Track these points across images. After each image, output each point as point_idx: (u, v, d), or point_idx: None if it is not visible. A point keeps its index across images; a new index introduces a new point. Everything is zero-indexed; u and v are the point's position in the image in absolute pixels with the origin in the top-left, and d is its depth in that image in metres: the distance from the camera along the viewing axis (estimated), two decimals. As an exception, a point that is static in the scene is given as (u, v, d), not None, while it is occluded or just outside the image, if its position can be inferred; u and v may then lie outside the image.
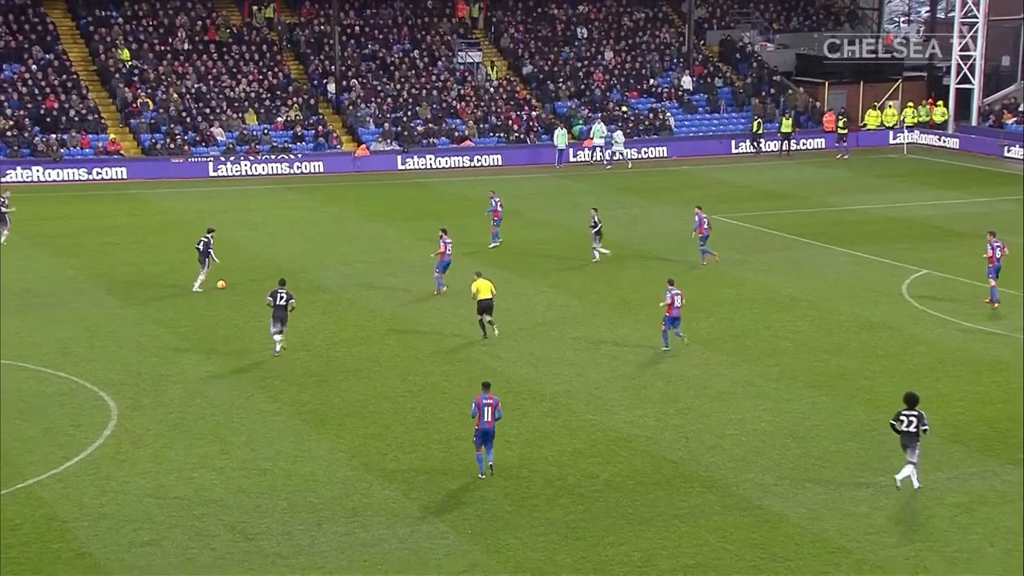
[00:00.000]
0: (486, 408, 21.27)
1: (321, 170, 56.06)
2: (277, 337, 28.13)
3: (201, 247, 33.84)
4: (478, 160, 57.71)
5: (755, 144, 60.22)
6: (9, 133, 54.09)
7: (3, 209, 39.16)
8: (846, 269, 36.76)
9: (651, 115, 62.47)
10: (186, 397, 25.52)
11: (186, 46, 61.10)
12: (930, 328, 30.31)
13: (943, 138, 62.18)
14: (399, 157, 57.45)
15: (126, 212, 46.37)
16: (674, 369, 27.42)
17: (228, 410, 24.87)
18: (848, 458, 22.29)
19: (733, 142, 61.23)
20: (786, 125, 60.94)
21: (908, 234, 41.76)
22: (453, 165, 57.60)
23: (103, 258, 38.33)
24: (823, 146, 61.96)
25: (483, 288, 29.39)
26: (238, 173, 54.81)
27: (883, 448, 22.71)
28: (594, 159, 58.12)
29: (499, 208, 39.90)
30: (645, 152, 59.59)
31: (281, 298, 28.01)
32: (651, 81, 65.33)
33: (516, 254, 37.99)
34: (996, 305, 31.74)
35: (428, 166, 57.51)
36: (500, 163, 57.56)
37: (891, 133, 63.38)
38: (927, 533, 19.26)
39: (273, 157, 56.01)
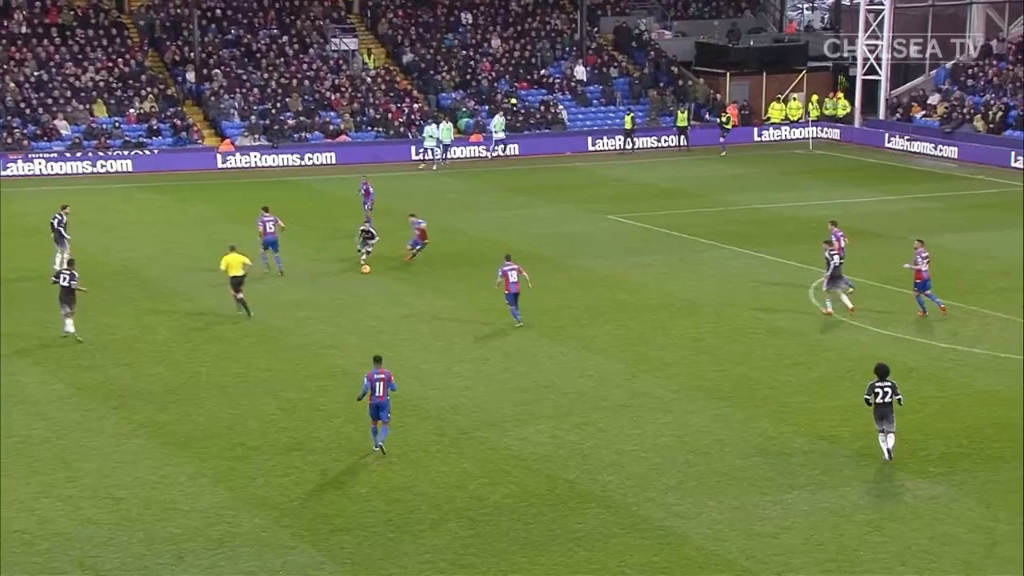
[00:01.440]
0: (378, 383, 22.72)
1: (181, 167, 55.16)
2: (68, 321, 29.58)
3: (55, 224, 34.31)
4: (354, 156, 57.39)
5: (626, 140, 60.73)
6: None
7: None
8: (750, 272, 37.46)
9: (542, 107, 62.88)
10: (27, 419, 24.87)
11: (24, 29, 59.63)
12: (838, 334, 31.06)
13: (855, 133, 63.73)
14: (267, 153, 56.86)
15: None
16: (568, 381, 27.62)
17: (76, 433, 24.31)
18: (754, 474, 22.70)
19: (589, 139, 61.59)
20: (681, 119, 61.86)
21: (814, 234, 42.57)
22: (327, 161, 57.22)
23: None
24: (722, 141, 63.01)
25: (233, 263, 31.25)
26: (85, 171, 53.64)
27: (791, 463, 23.19)
28: (491, 153, 58.37)
29: (370, 191, 42.38)
30: (511, 148, 59.66)
31: (65, 279, 29.86)
32: (542, 71, 65.77)
33: (395, 258, 37.87)
34: (923, 314, 32.49)
35: (299, 163, 57.02)
36: (378, 159, 57.32)
37: (796, 127, 64.74)
38: (836, 552, 19.70)
39: (126, 153, 54.95)
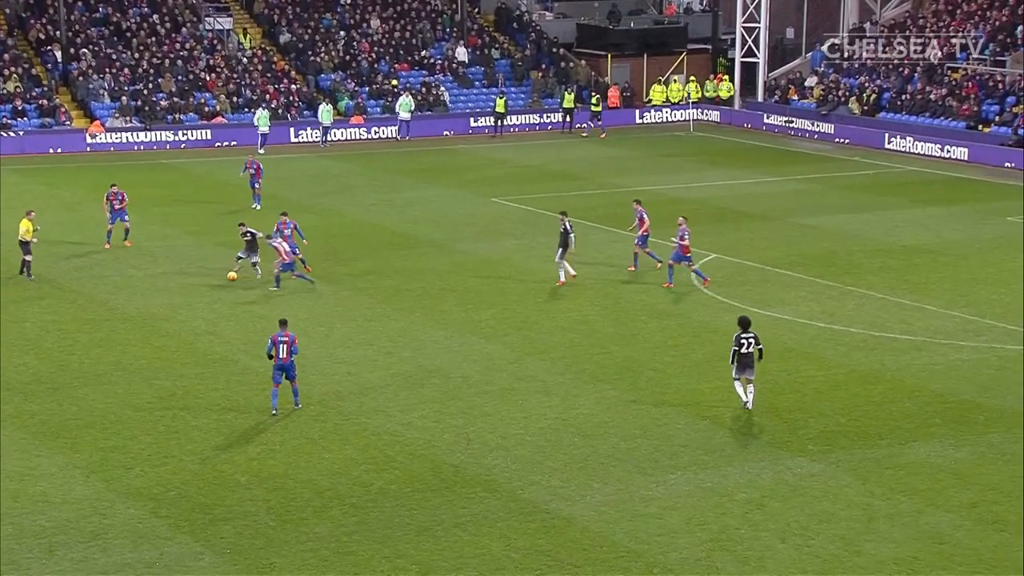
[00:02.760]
0: (281, 345, 24.05)
1: (47, 150, 53.80)
2: None
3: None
4: (230, 138, 56.55)
5: (497, 123, 60.94)
6: None
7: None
8: (632, 254, 37.82)
9: (424, 89, 62.69)
10: None
11: None
12: (719, 315, 31.57)
13: (737, 115, 64.76)
14: (139, 135, 55.75)
15: None
16: (453, 365, 27.64)
17: (-59, 425, 23.62)
18: (638, 455, 23.00)
19: (471, 120, 61.77)
20: (568, 100, 62.20)
21: (696, 216, 43.20)
22: (202, 143, 56.28)
23: None
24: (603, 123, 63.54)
25: (26, 227, 33.43)
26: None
27: (674, 443, 23.54)
28: (401, 135, 58.23)
29: (260, 168, 42.71)
30: (382, 131, 59.40)
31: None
32: (423, 52, 65.54)
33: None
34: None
35: (173, 144, 56.01)
36: (258, 141, 56.59)
37: (677, 109, 65.53)
38: (718, 532, 20.07)
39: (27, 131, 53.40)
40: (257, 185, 42.83)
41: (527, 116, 63.07)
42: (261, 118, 55.27)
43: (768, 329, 30.38)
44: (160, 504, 20.59)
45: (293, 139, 57.84)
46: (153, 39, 61.33)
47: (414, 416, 24.70)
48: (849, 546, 19.57)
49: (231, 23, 63.72)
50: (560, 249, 34.03)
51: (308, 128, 58.22)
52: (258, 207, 42.32)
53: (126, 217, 37.74)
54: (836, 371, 27.62)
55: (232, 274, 33.28)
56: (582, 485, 21.68)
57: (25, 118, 55.46)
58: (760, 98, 65.72)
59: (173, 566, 18.66)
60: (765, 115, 63.52)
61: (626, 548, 19.51)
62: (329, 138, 57.56)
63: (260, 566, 18.75)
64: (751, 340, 24.66)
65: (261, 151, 53.97)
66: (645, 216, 35.44)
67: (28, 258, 33.76)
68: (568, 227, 34.02)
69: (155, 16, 62.33)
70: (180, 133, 56.53)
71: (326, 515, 20.37)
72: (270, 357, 24.35)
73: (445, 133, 60.62)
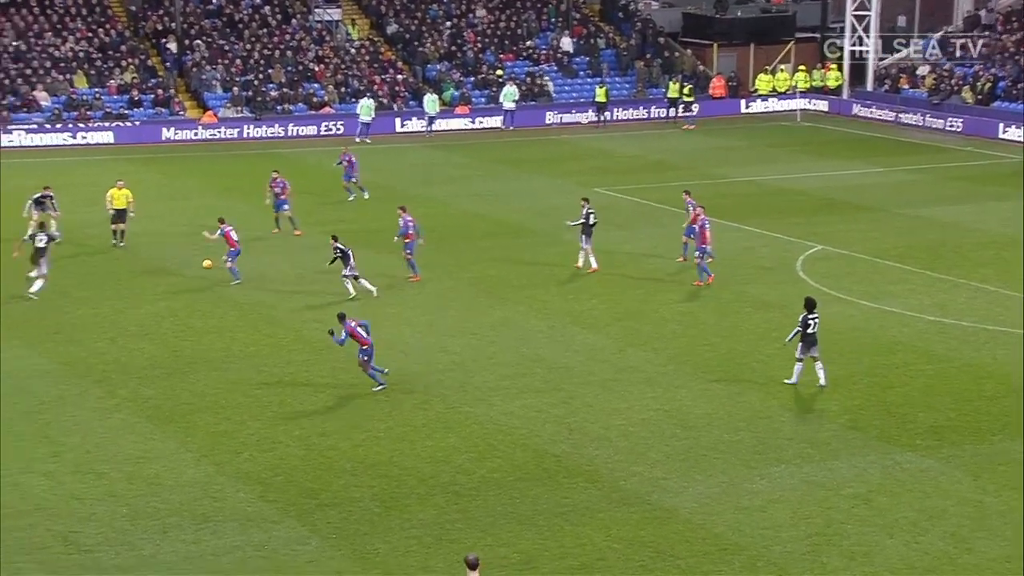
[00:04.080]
0: (359, 329, 24.92)
1: (162, 139, 54.93)
2: (37, 283, 30.88)
3: (34, 200, 35.47)
4: (338, 128, 57.17)
5: (600, 113, 60.66)
6: None
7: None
8: (737, 245, 37.50)
9: (528, 79, 62.73)
10: (10, 394, 24.81)
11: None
12: (826, 307, 30.99)
13: (844, 105, 63.76)
14: (250, 125, 56.62)
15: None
16: (556, 356, 27.67)
17: (59, 407, 24.28)
18: (741, 448, 22.80)
19: (575, 111, 61.39)
20: (673, 90, 61.73)
21: (802, 207, 42.79)
22: (311, 133, 57.00)
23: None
24: (712, 114, 63.02)
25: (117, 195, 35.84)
26: (66, 143, 53.37)
27: (779, 437, 23.30)
28: (506, 124, 58.56)
29: (353, 162, 42.65)
30: (486, 121, 59.45)
31: (42, 240, 31.14)
32: (528, 42, 65.57)
33: (387, 232, 37.74)
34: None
35: (283, 134, 56.80)
36: (358, 131, 57.10)
37: (788, 99, 64.69)
38: (823, 526, 19.82)
39: (107, 125, 54.65)
40: (354, 178, 42.80)
41: (631, 106, 62.77)
42: (365, 108, 55.81)
43: (876, 322, 29.93)
44: (268, 488, 20.93)
45: (399, 129, 58.26)
46: (264, 30, 62.23)
47: (516, 406, 24.78)
48: (960, 543, 19.20)
49: (340, 14, 64.39)
50: (584, 236, 34.09)
51: (413, 118, 58.61)
52: (355, 198, 42.51)
53: (286, 206, 37.64)
54: (946, 365, 27.10)
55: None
56: (684, 477, 21.56)
57: (141, 108, 56.67)
58: (870, 87, 64.58)
59: (281, 549, 18.96)
60: (875, 104, 62.41)
61: (729, 541, 19.37)
62: (434, 128, 57.89)
63: (364, 551, 18.97)
64: (818, 320, 25.23)
65: (358, 139, 54.58)
66: (695, 208, 34.64)
67: (123, 226, 36.06)
68: (586, 214, 33.97)
69: (266, 8, 63.22)
70: (289, 124, 57.27)
71: (429, 502, 20.53)
72: (341, 344, 25.04)
73: (549, 123, 60.59)
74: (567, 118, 61.23)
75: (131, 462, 21.84)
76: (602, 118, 60.72)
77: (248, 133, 56.34)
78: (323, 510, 20.20)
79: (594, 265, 34.30)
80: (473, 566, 15.83)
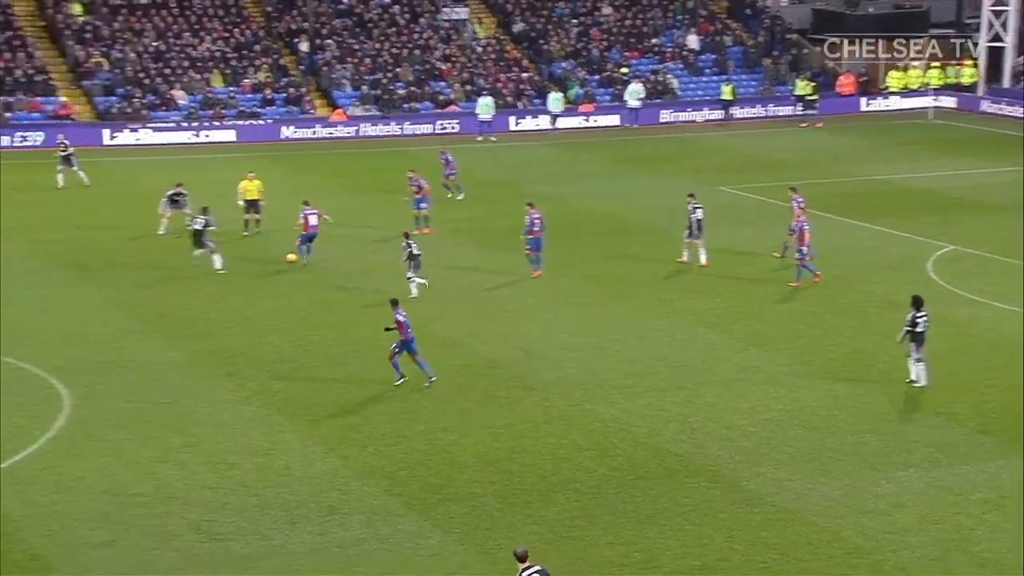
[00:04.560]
0: (404, 320, 25.13)
1: (292, 136, 55.91)
2: (216, 257, 33.03)
3: (169, 197, 36.48)
4: (463, 126, 57.52)
5: (726, 110, 60.00)
6: (-50, 95, 53.86)
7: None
8: (864, 244, 36.85)
9: (653, 77, 62.40)
10: (146, 385, 25.50)
11: (144, 0, 60.71)
12: (957, 308, 30.40)
13: (974, 102, 62.17)
14: (366, 123, 57.24)
15: (79, 182, 46.17)
16: (677, 354, 27.50)
17: (192, 399, 24.87)
18: (867, 450, 22.40)
19: (705, 109, 60.79)
20: (801, 88, 60.79)
21: (933, 207, 41.84)
22: (437, 131, 57.47)
23: (55, 233, 38.23)
24: (838, 111, 61.95)
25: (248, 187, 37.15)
26: (202, 140, 54.63)
27: (905, 440, 22.83)
28: (630, 122, 58.17)
29: (451, 160, 42.67)
30: (610, 119, 59.14)
31: (200, 223, 33.63)
32: (653, 40, 65.22)
33: (504, 230, 37.91)
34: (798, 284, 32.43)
35: (410, 132, 57.37)
36: (485, 129, 57.38)
37: (915, 96, 63.28)
38: (952, 531, 19.38)
39: (241, 123, 55.83)
40: (452, 176, 42.83)
41: (758, 104, 62.04)
42: (484, 106, 56.18)
43: (1011, 324, 29.14)
44: (393, 482, 21.17)
45: (522, 127, 58.43)
46: (393, 29, 62.94)
47: (638, 404, 24.69)
48: (1093, 552, 18.61)
49: (467, 13, 64.82)
50: (687, 230, 34.00)
51: (536, 116, 58.71)
52: (461, 197, 42.51)
53: (423, 205, 37.78)
54: (1081, 370, 26.25)
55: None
56: (808, 479, 21.26)
57: (273, 106, 57.76)
58: (1006, 84, 62.80)
59: (405, 543, 19.17)
60: (1005, 101, 60.67)
61: (854, 544, 19.05)
62: (558, 126, 57.92)
63: (487, 547, 19.08)
64: (926, 319, 24.97)
65: (479, 139, 54.89)
66: (799, 206, 34.08)
67: (256, 216, 37.02)
68: (692, 209, 33.95)
69: (395, 7, 63.93)
70: (415, 121, 57.80)
71: (550, 499, 20.57)
72: (389, 329, 25.39)
73: (674, 121, 60.20)
74: (692, 116, 60.78)
75: (261, 453, 22.28)
76: (728, 116, 60.13)
77: (363, 132, 56.78)
78: (446, 505, 20.37)
79: (703, 260, 34.08)
80: (523, 559, 15.88)
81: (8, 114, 53.64)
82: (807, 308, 30.76)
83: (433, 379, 25.35)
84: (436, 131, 57.19)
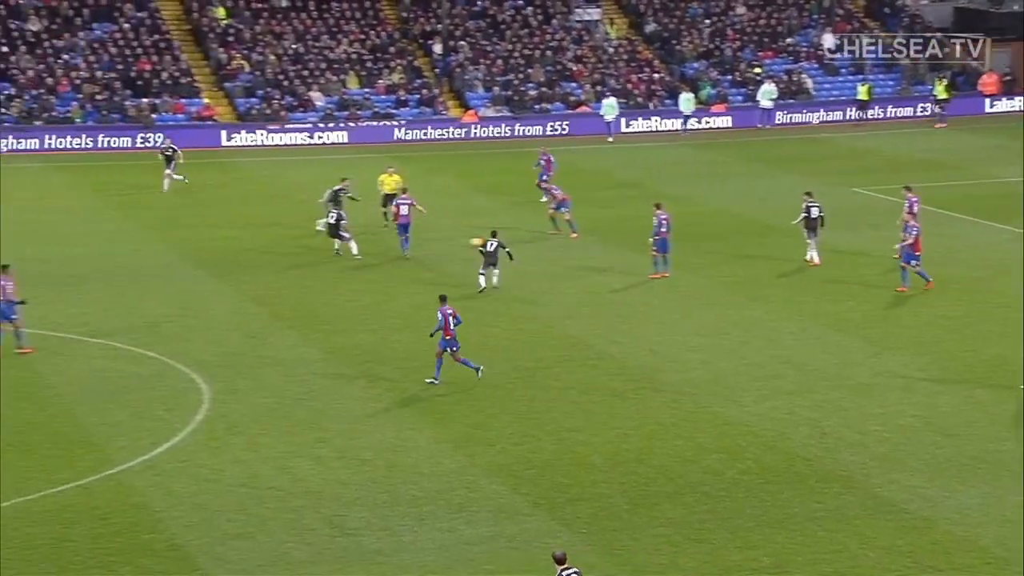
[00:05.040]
0: (450, 318, 25.15)
1: (425, 137, 56.44)
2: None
3: (329, 196, 36.51)
4: (563, 128, 57.27)
5: (861, 111, 58.72)
6: (99, 97, 55.52)
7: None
8: (1006, 248, 35.79)
9: (787, 77, 61.51)
10: (282, 381, 25.98)
11: (284, 3, 61.83)
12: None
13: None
14: (509, 123, 57.44)
15: (219, 182, 47.32)
16: (809, 358, 27.05)
17: (326, 395, 25.27)
18: (1007, 458, 21.75)
19: (835, 107, 59.64)
20: (940, 89, 59.26)
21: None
22: (565, 132, 57.45)
23: (196, 231, 39.20)
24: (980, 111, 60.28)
25: (388, 182, 38.01)
26: (336, 141, 55.44)
27: (1046, 449, 22.11)
28: (762, 123, 57.76)
29: (552, 161, 42.40)
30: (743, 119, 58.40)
31: (332, 216, 34.56)
32: (788, 39, 64.29)
33: (634, 231, 37.72)
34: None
35: (541, 133, 57.44)
36: (620, 129, 57.20)
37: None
38: (1096, 544, 18.71)
39: (375, 124, 56.55)
40: (546, 177, 42.24)
41: (895, 104, 60.72)
42: (609, 107, 56.06)
43: None
44: (520, 481, 21.22)
45: (651, 128, 58.12)
46: (525, 31, 63.13)
47: (767, 407, 24.35)
48: None
49: (599, 13, 64.69)
50: (806, 231, 33.69)
51: (667, 117, 58.33)
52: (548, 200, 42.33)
53: (563, 208, 37.58)
54: None
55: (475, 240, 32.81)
56: (945, 486, 20.73)
57: (407, 107, 58.40)
58: None
59: (532, 542, 19.19)
60: None
61: (993, 555, 18.52)
62: (689, 126, 57.48)
63: (614, 547, 19.01)
64: None
65: (610, 139, 54.70)
66: (913, 207, 33.32)
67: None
68: (809, 207, 33.67)
69: (528, 9, 64.10)
70: (546, 122, 57.85)
71: (678, 501, 20.41)
72: (433, 335, 25.36)
73: (807, 121, 59.26)
74: (826, 116, 59.77)
75: (391, 450, 22.53)
76: (864, 116, 58.97)
77: (494, 132, 56.89)
78: (573, 504, 20.35)
79: (816, 260, 33.67)
80: (561, 561, 15.92)
81: (154, 115, 55.17)
82: (945, 312, 30.00)
83: (481, 368, 25.47)
84: (565, 132, 57.18)
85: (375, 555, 18.83)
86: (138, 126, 53.99)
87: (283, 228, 38.75)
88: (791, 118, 59.23)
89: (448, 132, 56.90)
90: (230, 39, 59.51)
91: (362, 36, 61.51)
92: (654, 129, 57.86)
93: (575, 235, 37.38)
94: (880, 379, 25.72)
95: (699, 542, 19.07)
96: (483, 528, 19.60)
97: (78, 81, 55.85)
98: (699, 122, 57.85)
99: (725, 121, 58.71)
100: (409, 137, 56.26)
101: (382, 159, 49.39)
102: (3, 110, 53.72)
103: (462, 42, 61.67)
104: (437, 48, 61.38)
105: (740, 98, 60.68)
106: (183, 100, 56.29)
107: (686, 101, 57.57)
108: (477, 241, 33.12)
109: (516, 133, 57.23)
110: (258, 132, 54.93)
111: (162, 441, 22.79)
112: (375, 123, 56.59)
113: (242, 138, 54.81)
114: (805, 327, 29.06)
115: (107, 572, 18.26)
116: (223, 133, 54.72)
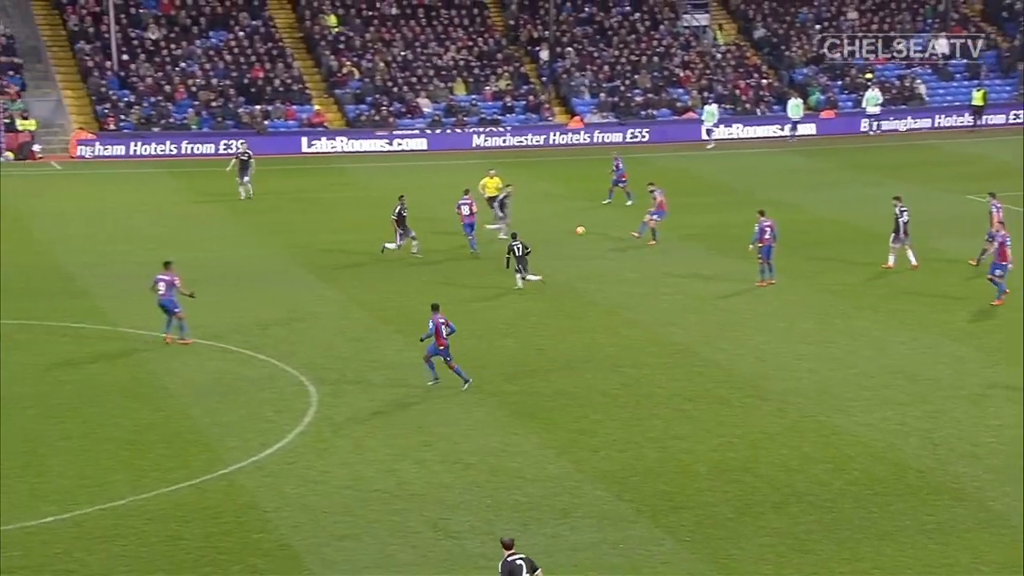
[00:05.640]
0: (442, 326, 25.12)
1: (530, 143, 56.50)
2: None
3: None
4: (697, 132, 56.91)
5: (976, 117, 57.35)
6: (214, 104, 56.62)
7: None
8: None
9: (900, 83, 60.40)
10: (388, 384, 26.18)
11: (394, 10, 62.45)
12: None
13: None
14: (615, 130, 57.28)
15: (328, 187, 47.90)
16: (921, 368, 26.49)
17: (430, 399, 25.39)
18: (1126, 474, 21.05)
19: (948, 113, 58.31)
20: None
21: None
22: (672, 138, 57.10)
23: (306, 236, 39.72)
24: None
25: (490, 185, 38.62)
26: (444, 146, 55.78)
27: None
28: (871, 130, 57.05)
29: (620, 167, 42.98)
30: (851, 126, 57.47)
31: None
32: (900, 44, 63.13)
33: (738, 238, 37.29)
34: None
35: (645, 139, 57.17)
36: (730, 136, 56.73)
37: None
38: None
39: (481, 130, 56.79)
40: (622, 184, 42.66)
41: (1012, 110, 59.27)
42: (709, 113, 55.60)
43: None
44: (624, 488, 21.10)
45: (756, 134, 57.54)
46: (632, 37, 62.91)
47: (876, 417, 23.89)
48: None
49: (708, 19, 64.22)
50: (893, 234, 33.42)
51: (773, 123, 57.68)
52: (629, 204, 42.20)
53: (655, 215, 37.43)
54: None
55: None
56: (1060, 502, 20.14)
57: (513, 113, 58.56)
58: None
59: (637, 549, 19.06)
60: None
61: (1108, 574, 17.94)
62: (797, 133, 56.77)
63: (719, 556, 18.80)
64: None
65: (709, 147, 54.31)
66: (998, 214, 32.71)
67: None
68: (899, 212, 33.40)
69: (636, 14, 63.87)
70: (651, 128, 57.60)
71: (784, 511, 20.12)
72: (424, 339, 25.40)
73: (918, 128, 58.15)
74: (938, 122, 58.59)
75: (494, 455, 22.56)
76: (978, 122, 57.65)
77: (599, 138, 56.78)
78: (677, 512, 20.18)
79: (914, 261, 33.51)
80: (508, 547, 16.37)
81: (266, 122, 56.09)
82: (1061, 322, 29.15)
83: (470, 382, 25.40)
84: (667, 138, 56.88)
85: (479, 559, 18.85)
86: (251, 132, 54.89)
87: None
88: (902, 124, 58.17)
89: (552, 138, 56.86)
90: (340, 46, 60.26)
91: (470, 43, 61.84)
92: (758, 136, 57.24)
93: (653, 242, 37.33)
94: (996, 390, 25.10)
95: (805, 553, 18.77)
96: (587, 534, 19.52)
97: (194, 88, 57.02)
98: (806, 128, 57.15)
99: (833, 127, 57.88)
100: (513, 144, 56.36)
101: (483, 165, 49.65)
102: (123, 117, 55.07)
103: (569, 48, 61.66)
104: (544, 54, 61.44)
105: (850, 104, 59.77)
106: (294, 107, 57.13)
107: (794, 107, 56.89)
108: (581, 230, 33.40)
109: (621, 139, 57.01)
110: (367, 140, 55.58)
111: (271, 442, 23.11)
112: (481, 129, 56.83)
113: (352, 144, 55.47)
114: (916, 336, 28.47)
115: (218, 570, 18.55)
116: (338, 139, 55.47)
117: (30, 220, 41.92)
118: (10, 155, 52.53)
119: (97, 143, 53.71)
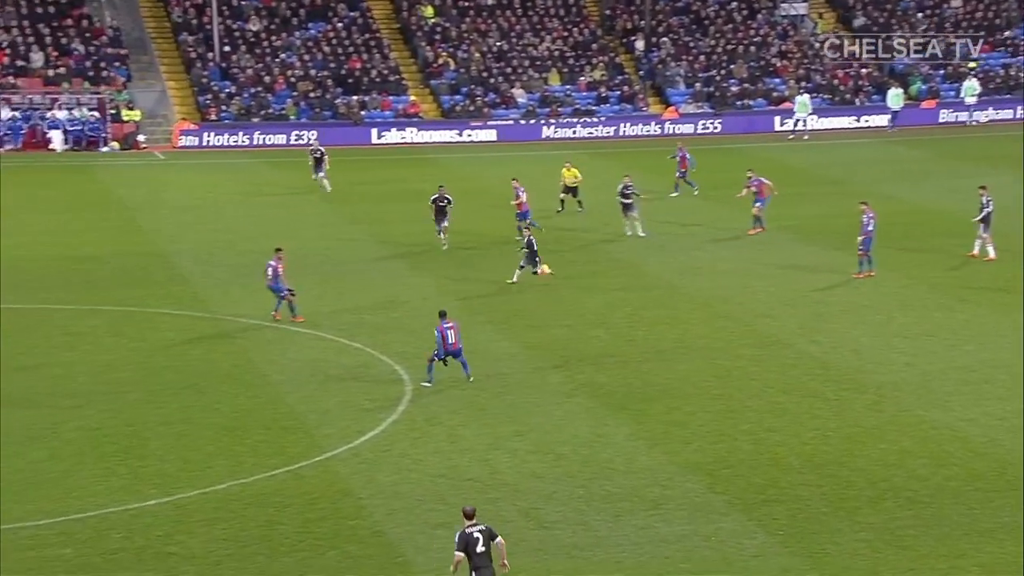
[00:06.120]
0: (448, 331, 25.05)
1: (624, 134, 56.24)
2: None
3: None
4: (715, 127, 56.18)
5: None
6: (313, 95, 57.25)
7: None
8: None
9: (1004, 72, 59.03)
10: (480, 374, 26.26)
11: (489, 1, 62.51)
12: None
13: None
14: (710, 120, 56.82)
15: (422, 177, 48.12)
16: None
17: (523, 389, 25.46)
18: None
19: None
20: None
21: None
22: (768, 128, 56.47)
23: (400, 226, 40.01)
24: None
25: (568, 175, 39.34)
26: (537, 137, 55.76)
27: None
28: (969, 120, 55.81)
29: (687, 157, 43.21)
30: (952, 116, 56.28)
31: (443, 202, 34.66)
32: (1006, 32, 61.69)
33: (837, 229, 36.81)
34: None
35: (740, 129, 56.60)
36: (826, 127, 56.01)
37: None
38: None
39: (575, 120, 56.68)
40: (681, 173, 42.50)
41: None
42: (801, 104, 54.93)
43: None
44: (716, 480, 20.97)
45: (857, 124, 56.66)
46: (729, 26, 62.30)
47: (977, 412, 23.44)
48: None
49: (806, 8, 63.37)
50: (982, 224, 33.03)
51: (873, 114, 56.78)
52: (696, 193, 42.12)
53: (758, 202, 37.26)
54: None
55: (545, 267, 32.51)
56: None
57: (608, 104, 58.36)
58: None
59: (728, 541, 18.94)
60: None
61: None
62: (897, 123, 55.81)
63: (813, 551, 18.60)
64: None
65: (791, 137, 53.58)
66: None
67: (578, 199, 39.28)
68: (986, 202, 33.09)
69: (733, 3, 63.23)
70: (746, 118, 57.05)
71: (880, 506, 19.83)
72: (439, 356, 25.12)
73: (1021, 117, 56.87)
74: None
75: (586, 445, 22.54)
76: None
77: (695, 128, 56.33)
78: (769, 506, 20.00)
79: (991, 254, 33.03)
80: (469, 516, 16.43)
81: (363, 112, 56.58)
82: None
83: (472, 379, 25.39)
84: (765, 128, 56.27)
85: (571, 549, 18.87)
86: (348, 123, 55.41)
87: (480, 223, 39.18)
88: (1007, 114, 56.87)
89: (647, 128, 56.56)
90: (436, 37, 60.53)
91: (565, 33, 61.73)
92: (855, 126, 56.40)
93: (760, 230, 37.14)
94: (1099, 386, 24.46)
95: (902, 548, 18.49)
96: (678, 526, 19.43)
97: (293, 79, 57.72)
98: (906, 117, 56.23)
99: (931, 117, 56.83)
100: (606, 135, 56.16)
101: (573, 156, 49.64)
102: (224, 108, 55.95)
103: (664, 38, 61.25)
104: (639, 45, 61.13)
105: (952, 94, 58.61)
106: (391, 97, 57.54)
107: (894, 97, 55.96)
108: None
109: (716, 129, 56.53)
110: (460, 130, 55.80)
111: (366, 430, 23.35)
112: (575, 119, 56.72)
113: (443, 135, 55.70)
114: (1018, 329, 27.84)
115: (315, 555, 18.80)
116: (432, 132, 55.76)
117: (135, 210, 42.83)
118: (116, 145, 53.73)
119: (201, 133, 54.65)
